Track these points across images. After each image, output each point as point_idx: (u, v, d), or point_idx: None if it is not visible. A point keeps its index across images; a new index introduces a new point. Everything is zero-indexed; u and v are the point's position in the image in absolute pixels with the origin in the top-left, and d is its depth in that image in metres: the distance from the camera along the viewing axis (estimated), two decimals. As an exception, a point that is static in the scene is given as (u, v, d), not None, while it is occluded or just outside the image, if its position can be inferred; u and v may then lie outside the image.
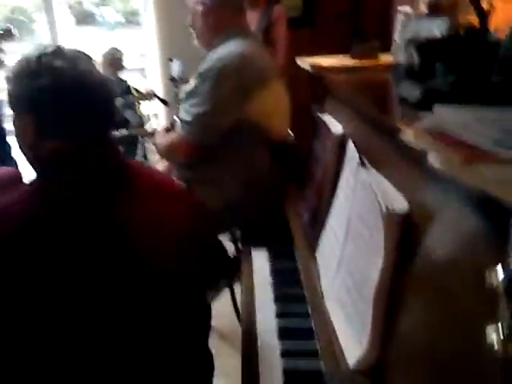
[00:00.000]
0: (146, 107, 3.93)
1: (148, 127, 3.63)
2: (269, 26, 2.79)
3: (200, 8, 1.89)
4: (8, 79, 1.02)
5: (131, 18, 9.92)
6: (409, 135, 0.86)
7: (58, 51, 1.01)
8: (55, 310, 0.95)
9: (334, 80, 1.59)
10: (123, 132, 3.37)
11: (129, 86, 3.81)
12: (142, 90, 3.75)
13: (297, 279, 1.38)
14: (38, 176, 1.07)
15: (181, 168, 2.00)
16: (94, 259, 0.99)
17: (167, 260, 1.08)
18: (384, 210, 0.87)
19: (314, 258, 1.32)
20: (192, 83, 1.88)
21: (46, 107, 0.99)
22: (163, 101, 3.58)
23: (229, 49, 1.83)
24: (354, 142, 1.19)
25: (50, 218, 0.97)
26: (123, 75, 3.89)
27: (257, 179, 1.91)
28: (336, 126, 1.41)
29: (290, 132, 2.13)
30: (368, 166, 1.08)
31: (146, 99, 3.70)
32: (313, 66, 1.93)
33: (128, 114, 3.60)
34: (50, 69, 0.97)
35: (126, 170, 1.09)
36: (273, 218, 1.90)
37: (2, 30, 3.36)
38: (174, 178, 1.33)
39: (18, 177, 0.98)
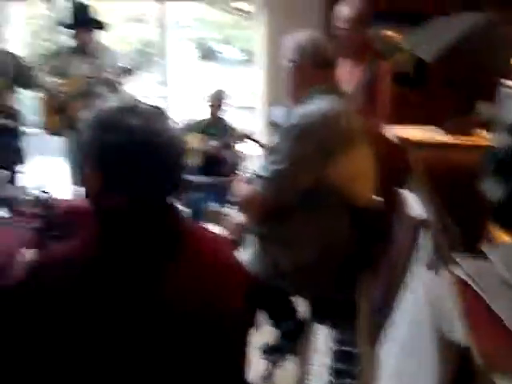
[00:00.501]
0: (247, 147, 3.96)
1: (241, 169, 3.64)
2: (371, 83, 2.66)
3: (289, 65, 1.86)
4: (82, 127, 1.03)
5: (252, 57, 10.34)
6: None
7: (134, 108, 1.00)
8: (96, 358, 0.95)
9: (419, 157, 1.45)
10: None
11: (228, 126, 3.88)
12: (241, 130, 3.78)
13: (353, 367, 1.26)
14: (100, 223, 1.06)
15: (254, 222, 1.94)
16: (137, 320, 0.97)
17: (211, 328, 1.04)
18: (439, 338, 0.72)
19: (375, 353, 1.19)
20: (275, 138, 1.82)
21: (111, 162, 0.99)
22: (260, 144, 3.58)
23: (314, 107, 1.76)
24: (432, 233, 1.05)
25: (102, 271, 0.98)
26: (229, 113, 3.97)
27: (332, 245, 1.79)
28: (416, 208, 1.27)
29: (377, 197, 1.97)
30: (439, 268, 0.93)
31: (244, 141, 3.72)
32: (399, 139, 1.79)
33: (226, 154, 3.65)
34: (122, 126, 0.97)
35: (181, 235, 1.07)
36: (342, 292, 1.77)
37: (123, 68, 3.54)
38: (233, 240, 1.27)
39: (87, 212, 0.99)
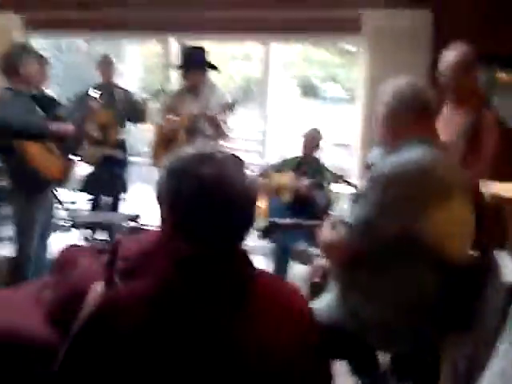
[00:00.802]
0: (340, 188, 3.91)
1: (332, 211, 3.58)
2: (475, 132, 2.52)
3: (383, 110, 1.82)
4: (160, 170, 1.08)
5: (354, 96, 10.32)
6: None
7: (209, 156, 1.03)
8: None
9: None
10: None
11: (322, 166, 3.86)
12: (334, 171, 3.75)
13: None
14: (171, 265, 1.08)
15: (337, 268, 1.90)
16: (202, 366, 0.97)
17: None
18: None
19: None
20: (364, 185, 1.79)
21: (181, 208, 1.02)
22: (353, 186, 3.53)
23: (407, 155, 1.69)
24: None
25: (170, 315, 0.99)
26: (325, 151, 3.98)
27: (416, 301, 1.69)
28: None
29: (471, 255, 1.84)
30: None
31: (336, 182, 3.69)
32: (493, 195, 1.67)
33: (317, 194, 3.61)
34: (193, 175, 0.99)
35: (250, 282, 1.07)
36: (425, 350, 1.67)
37: (227, 104, 3.67)
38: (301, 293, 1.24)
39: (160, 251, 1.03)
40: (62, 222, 4.31)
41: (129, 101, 4.05)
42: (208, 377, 0.98)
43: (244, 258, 1.09)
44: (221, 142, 3.81)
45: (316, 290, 2.15)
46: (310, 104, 10.66)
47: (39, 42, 5.31)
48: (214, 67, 3.84)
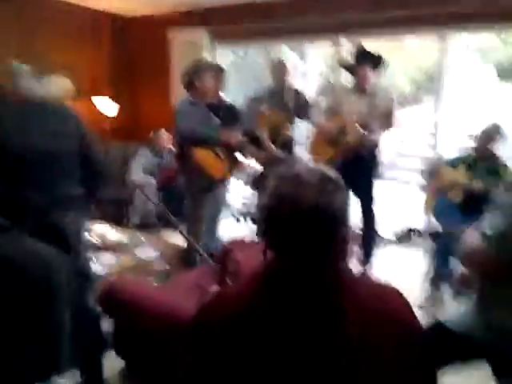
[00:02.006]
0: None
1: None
2: None
3: None
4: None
5: None
6: None
7: (295, 175, 1.08)
8: None
9: None
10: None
11: (501, 165, 3.43)
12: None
13: None
14: (265, 275, 1.15)
15: (476, 280, 1.76)
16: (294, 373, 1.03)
17: None
18: None
19: None
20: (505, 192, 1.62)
21: (264, 221, 1.10)
22: None
23: None
24: None
25: (259, 320, 1.08)
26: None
27: None
28: None
29: None
30: None
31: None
32: None
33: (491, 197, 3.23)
34: (277, 194, 1.07)
35: (342, 291, 1.10)
36: None
37: (404, 99, 3.59)
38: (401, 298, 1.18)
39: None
40: (235, 214, 4.73)
41: (298, 98, 4.18)
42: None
43: (335, 268, 1.11)
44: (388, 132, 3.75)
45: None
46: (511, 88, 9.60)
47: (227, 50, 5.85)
48: (380, 63, 3.77)
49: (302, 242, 1.05)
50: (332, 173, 1.11)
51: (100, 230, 3.48)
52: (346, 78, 4.19)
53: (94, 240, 3.31)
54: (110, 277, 2.89)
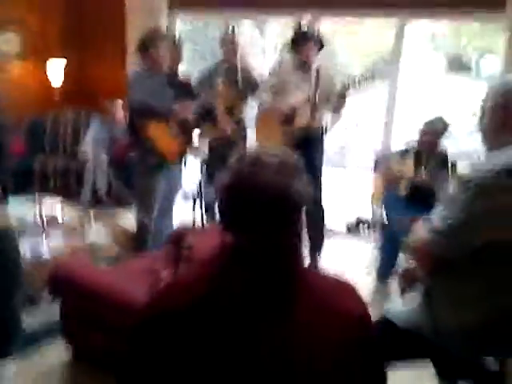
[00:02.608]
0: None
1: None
2: None
3: (490, 104, 1.68)
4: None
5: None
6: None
7: (256, 157, 1.10)
8: None
9: None
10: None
11: (445, 158, 3.57)
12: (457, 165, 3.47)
13: None
14: (222, 255, 1.16)
15: (423, 273, 1.84)
16: (242, 360, 1.05)
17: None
18: None
19: None
20: (453, 187, 1.68)
21: (223, 202, 1.12)
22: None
23: (501, 160, 1.57)
24: None
25: (215, 303, 1.09)
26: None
27: (504, 310, 1.60)
28: None
29: None
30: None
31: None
32: None
33: (437, 189, 3.36)
34: (237, 173, 1.09)
35: (296, 277, 1.12)
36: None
37: (362, 76, 3.53)
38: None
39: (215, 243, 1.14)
40: (188, 195, 4.64)
41: (248, 77, 4.12)
42: (250, 373, 1.05)
43: (292, 252, 1.14)
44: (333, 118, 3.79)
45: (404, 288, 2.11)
46: (459, 80, 9.89)
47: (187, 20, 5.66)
48: (322, 43, 3.78)
49: (261, 223, 1.07)
50: (291, 155, 1.14)
51: (49, 206, 3.36)
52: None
53: (44, 218, 3.22)
54: (59, 258, 2.83)
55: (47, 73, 5.48)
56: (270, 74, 3.98)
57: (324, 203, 3.93)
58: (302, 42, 3.71)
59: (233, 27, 4.04)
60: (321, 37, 3.79)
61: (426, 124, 3.61)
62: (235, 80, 4.00)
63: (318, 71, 3.75)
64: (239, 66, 4.07)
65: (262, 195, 1.05)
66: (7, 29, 5.14)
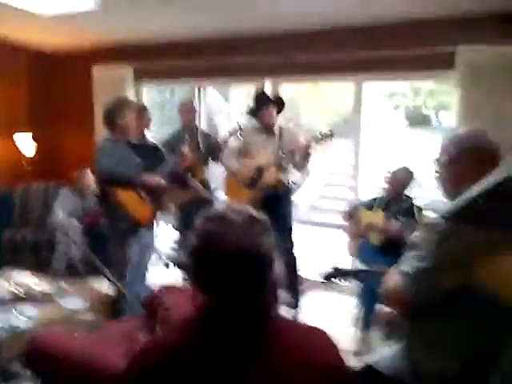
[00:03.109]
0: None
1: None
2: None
3: (445, 157, 1.79)
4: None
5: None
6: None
7: (222, 216, 1.12)
8: None
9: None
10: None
11: (414, 206, 3.66)
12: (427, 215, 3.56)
13: None
14: (198, 315, 1.17)
15: (398, 318, 1.85)
16: None
17: None
18: None
19: None
20: (420, 232, 1.73)
21: (192, 261, 1.13)
22: None
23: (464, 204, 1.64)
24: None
25: (178, 366, 1.10)
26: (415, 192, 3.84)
27: (481, 355, 1.59)
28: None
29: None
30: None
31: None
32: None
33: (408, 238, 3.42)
34: (207, 234, 1.11)
35: (271, 331, 1.13)
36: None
37: (322, 134, 3.71)
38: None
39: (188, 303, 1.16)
40: (163, 259, 4.62)
41: (209, 141, 4.29)
42: None
43: (262, 309, 1.14)
44: (301, 176, 3.90)
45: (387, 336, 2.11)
46: (419, 135, 10.32)
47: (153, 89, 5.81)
48: (283, 104, 3.98)
49: (230, 282, 1.08)
50: (258, 213, 1.16)
51: (20, 279, 3.28)
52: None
53: (15, 290, 3.13)
54: (34, 329, 2.74)
55: (16, 146, 5.50)
56: (231, 138, 4.13)
57: (295, 253, 3.98)
58: (262, 107, 3.91)
59: (191, 96, 4.22)
60: (279, 99, 3.99)
61: (393, 173, 3.75)
62: (196, 144, 4.12)
63: (280, 131, 3.92)
64: (198, 131, 4.25)
65: (229, 254, 1.07)
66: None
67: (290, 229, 3.97)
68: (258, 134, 3.99)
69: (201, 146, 4.22)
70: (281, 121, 4.02)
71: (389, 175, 3.76)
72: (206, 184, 4.28)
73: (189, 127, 4.31)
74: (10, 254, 4.65)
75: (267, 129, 3.94)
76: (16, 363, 2.52)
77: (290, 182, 3.93)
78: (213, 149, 4.20)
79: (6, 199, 5.16)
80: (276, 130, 3.94)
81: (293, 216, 4.03)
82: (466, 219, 1.59)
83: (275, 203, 3.76)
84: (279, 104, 3.98)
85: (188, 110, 4.32)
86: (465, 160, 1.74)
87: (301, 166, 3.84)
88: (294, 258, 3.98)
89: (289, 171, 3.89)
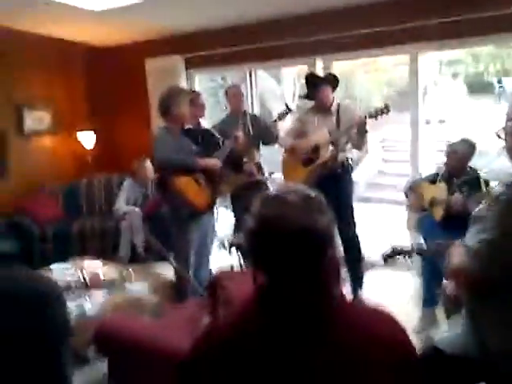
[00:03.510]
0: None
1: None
2: None
3: (510, 122, 1.67)
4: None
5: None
6: None
7: (275, 197, 1.12)
8: None
9: None
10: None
11: (479, 179, 3.49)
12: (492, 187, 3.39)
13: None
14: (255, 299, 1.18)
15: (464, 295, 1.79)
16: None
17: None
18: None
19: None
20: (485, 204, 1.66)
21: (249, 243, 1.13)
22: None
23: None
24: None
25: (240, 347, 1.11)
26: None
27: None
28: None
29: None
30: None
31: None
32: None
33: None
34: (262, 216, 1.10)
35: (329, 314, 1.11)
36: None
37: (377, 109, 3.59)
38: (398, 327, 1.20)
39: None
40: (224, 243, 4.68)
41: (259, 125, 4.27)
42: None
43: (323, 288, 1.13)
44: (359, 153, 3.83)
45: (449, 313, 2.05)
46: (480, 103, 9.85)
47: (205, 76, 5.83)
48: (336, 81, 3.89)
49: (290, 262, 1.07)
50: (313, 192, 1.14)
51: (90, 267, 3.45)
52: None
53: (85, 277, 3.29)
54: (103, 315, 2.87)
55: (79, 141, 5.75)
56: (280, 120, 4.11)
57: (359, 236, 3.92)
58: (316, 89, 3.84)
59: (241, 80, 4.17)
60: (332, 77, 3.91)
61: (451, 146, 3.61)
62: (246, 128, 4.14)
63: (338, 108, 3.84)
64: (248, 114, 4.26)
65: (287, 234, 1.06)
66: (37, 107, 5.47)
67: (351, 208, 3.91)
68: (314, 114, 3.93)
69: (250, 129, 4.20)
70: (338, 97, 3.94)
71: (448, 148, 3.62)
72: (259, 167, 4.29)
73: (237, 111, 4.31)
74: (80, 243, 4.88)
75: (324, 108, 3.87)
76: (88, 348, 2.65)
77: (349, 159, 3.84)
78: (264, 132, 4.19)
79: (74, 192, 5.42)
80: (334, 107, 3.86)
81: (353, 195, 3.96)
82: None
83: (333, 182, 3.71)
84: (332, 81, 3.89)
85: (234, 95, 4.31)
86: None
87: (359, 143, 3.75)
88: (356, 238, 3.92)
89: (347, 149, 3.81)
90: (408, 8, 4.06)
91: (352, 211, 3.90)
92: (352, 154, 3.88)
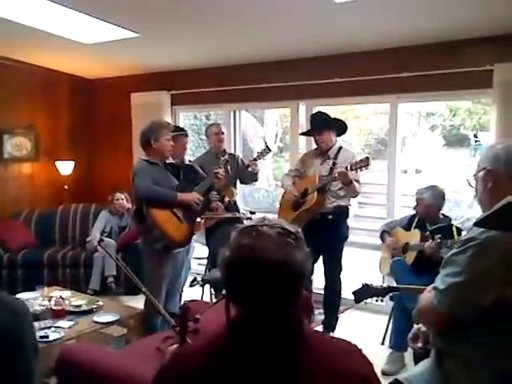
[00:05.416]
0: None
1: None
2: None
3: (483, 172, 1.74)
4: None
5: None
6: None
7: (253, 228, 1.14)
8: None
9: None
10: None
11: (451, 226, 3.58)
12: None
13: None
14: (228, 327, 1.18)
15: (432, 334, 1.81)
16: None
17: None
18: None
19: None
20: (453, 249, 1.70)
21: (225, 273, 1.14)
22: None
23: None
24: None
25: (209, 377, 1.10)
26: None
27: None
28: None
29: None
30: None
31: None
32: None
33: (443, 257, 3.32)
34: (240, 245, 1.12)
35: (302, 344, 1.12)
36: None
37: (362, 159, 3.58)
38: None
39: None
40: (197, 277, 4.66)
41: (238, 164, 4.36)
42: None
43: (294, 321, 1.14)
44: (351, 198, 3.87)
45: (419, 355, 2.05)
46: (456, 155, 10.13)
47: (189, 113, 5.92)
48: (342, 128, 3.94)
49: (261, 292, 1.09)
50: (291, 226, 1.16)
51: (58, 297, 3.37)
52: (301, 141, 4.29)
53: (53, 306, 3.22)
54: (67, 342, 2.80)
55: (57, 171, 5.73)
56: (259, 160, 4.22)
57: (341, 283, 3.93)
58: (317, 131, 3.89)
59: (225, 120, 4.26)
60: (339, 122, 3.96)
61: (419, 192, 3.70)
62: (225, 166, 4.17)
63: (337, 154, 3.87)
64: (226, 153, 4.36)
65: (259, 264, 1.08)
66: (18, 134, 5.47)
67: (339, 254, 3.91)
68: (315, 156, 3.98)
69: (229, 168, 4.27)
70: (339, 142, 3.97)
71: (416, 195, 3.71)
72: (233, 206, 4.33)
73: (217, 149, 4.38)
74: (51, 272, 4.79)
75: (322, 151, 3.93)
76: (50, 377, 2.57)
77: (336, 204, 3.84)
78: (242, 171, 4.25)
79: (49, 220, 5.36)
80: (332, 151, 3.89)
81: (344, 241, 3.95)
82: (497, 223, 1.55)
83: (324, 226, 3.75)
84: (338, 127, 3.93)
85: (215, 133, 4.40)
86: (501, 171, 1.68)
87: (348, 192, 3.78)
88: (338, 283, 3.93)
89: (342, 196, 3.84)
90: (389, 60, 4.23)
91: (339, 257, 3.91)
92: (347, 201, 3.89)
